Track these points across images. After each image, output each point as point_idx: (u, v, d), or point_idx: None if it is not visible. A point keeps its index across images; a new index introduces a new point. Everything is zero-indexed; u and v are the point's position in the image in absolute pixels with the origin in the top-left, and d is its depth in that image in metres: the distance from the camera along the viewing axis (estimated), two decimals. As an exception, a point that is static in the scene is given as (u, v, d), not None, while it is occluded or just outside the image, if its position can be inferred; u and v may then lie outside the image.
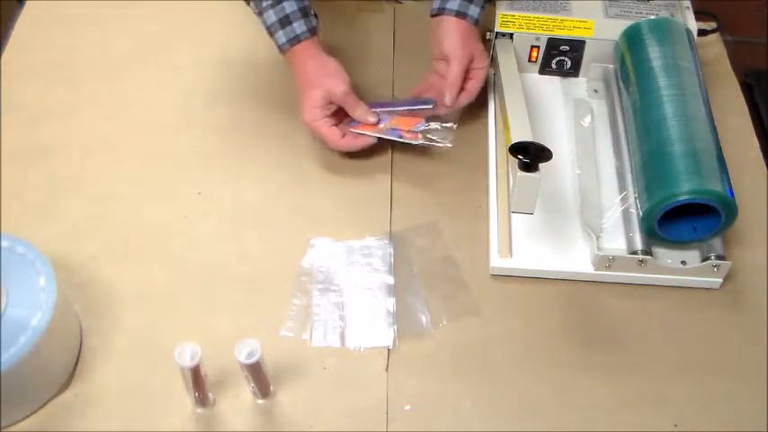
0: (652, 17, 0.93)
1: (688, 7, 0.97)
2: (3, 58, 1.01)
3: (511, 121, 0.82)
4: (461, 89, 0.90)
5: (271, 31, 0.87)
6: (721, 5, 1.04)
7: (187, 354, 0.67)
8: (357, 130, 0.89)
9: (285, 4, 0.86)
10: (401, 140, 0.88)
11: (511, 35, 0.96)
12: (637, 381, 0.76)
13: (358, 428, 0.73)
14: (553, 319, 0.80)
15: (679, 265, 0.82)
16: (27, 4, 1.08)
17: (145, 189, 0.89)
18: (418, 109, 0.90)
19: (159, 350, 0.75)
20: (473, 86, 0.91)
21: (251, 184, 0.90)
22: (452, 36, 0.88)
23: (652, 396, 0.76)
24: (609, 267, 0.82)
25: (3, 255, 0.73)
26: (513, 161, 0.75)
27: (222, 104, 0.97)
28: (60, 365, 0.74)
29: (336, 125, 0.89)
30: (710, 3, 1.04)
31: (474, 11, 0.89)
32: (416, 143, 0.87)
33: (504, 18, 0.96)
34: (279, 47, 0.87)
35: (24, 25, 1.06)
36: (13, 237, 0.74)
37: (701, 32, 0.98)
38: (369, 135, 0.89)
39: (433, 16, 0.91)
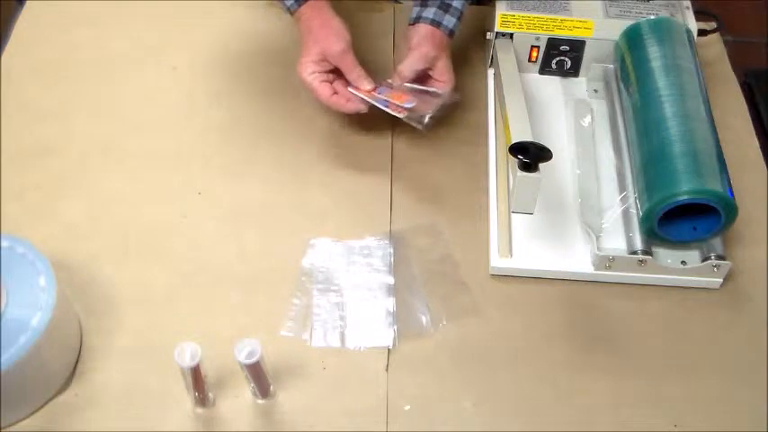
0: (652, 17, 0.93)
1: (688, 7, 0.97)
2: (3, 58, 1.01)
3: (511, 121, 0.82)
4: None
5: None
6: (721, 5, 1.04)
7: (187, 354, 0.67)
8: (353, 91, 0.88)
9: None
10: (385, 110, 0.87)
11: (511, 35, 0.96)
12: (637, 381, 0.76)
13: (358, 428, 0.73)
14: (553, 319, 0.81)
15: (679, 265, 0.82)
16: (27, 4, 1.08)
17: (145, 189, 0.89)
18: (421, 89, 0.89)
19: (159, 350, 0.75)
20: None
21: (251, 183, 0.90)
22: (419, 36, 0.88)
23: (652, 396, 0.76)
24: (609, 267, 0.82)
25: (3, 255, 0.73)
26: (513, 161, 0.75)
27: (222, 104, 0.97)
28: (60, 365, 0.74)
29: (330, 82, 0.88)
30: (710, 3, 1.04)
31: (449, 21, 0.88)
32: (397, 116, 0.86)
33: (504, 18, 0.96)
34: (288, 8, 0.88)
35: (24, 25, 1.06)
36: (13, 237, 0.74)
37: (701, 32, 0.98)
38: (360, 97, 0.88)
39: (410, 26, 0.90)
